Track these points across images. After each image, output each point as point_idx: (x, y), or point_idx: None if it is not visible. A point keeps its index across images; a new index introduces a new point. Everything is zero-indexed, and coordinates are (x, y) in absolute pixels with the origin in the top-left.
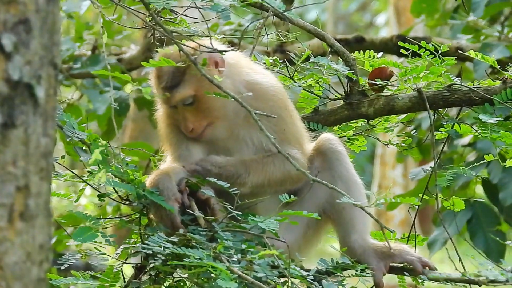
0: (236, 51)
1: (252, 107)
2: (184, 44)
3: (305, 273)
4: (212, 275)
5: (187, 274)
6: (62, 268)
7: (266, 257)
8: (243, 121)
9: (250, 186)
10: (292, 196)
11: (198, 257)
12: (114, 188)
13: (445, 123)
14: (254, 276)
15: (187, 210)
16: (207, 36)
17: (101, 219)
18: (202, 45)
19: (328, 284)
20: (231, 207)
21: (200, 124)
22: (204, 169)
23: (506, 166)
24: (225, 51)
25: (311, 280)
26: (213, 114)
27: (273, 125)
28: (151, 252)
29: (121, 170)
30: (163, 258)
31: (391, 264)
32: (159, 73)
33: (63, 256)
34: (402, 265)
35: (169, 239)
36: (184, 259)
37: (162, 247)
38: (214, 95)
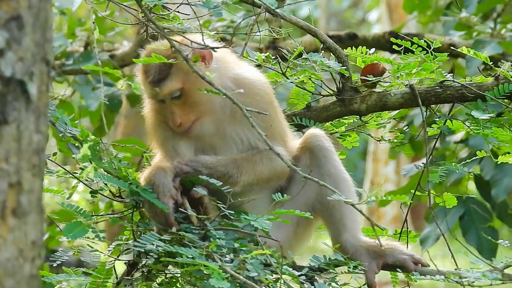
0: (228, 47)
1: (239, 102)
2: (175, 41)
3: (297, 273)
4: (205, 272)
5: (179, 272)
6: (55, 265)
7: (259, 256)
8: (229, 117)
9: (242, 185)
10: (285, 195)
11: (191, 256)
12: (106, 184)
13: (437, 120)
14: (246, 275)
15: (179, 208)
16: (199, 32)
17: (93, 216)
18: (193, 41)
19: (321, 285)
20: (224, 206)
21: (188, 118)
22: (195, 170)
23: (498, 163)
24: (217, 48)
25: (304, 280)
26: (201, 108)
27: (260, 121)
28: (143, 250)
29: (114, 166)
30: (155, 256)
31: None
32: (146, 67)
33: (55, 253)
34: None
35: (162, 237)
36: (176, 258)
37: (155, 245)
38: (205, 91)
